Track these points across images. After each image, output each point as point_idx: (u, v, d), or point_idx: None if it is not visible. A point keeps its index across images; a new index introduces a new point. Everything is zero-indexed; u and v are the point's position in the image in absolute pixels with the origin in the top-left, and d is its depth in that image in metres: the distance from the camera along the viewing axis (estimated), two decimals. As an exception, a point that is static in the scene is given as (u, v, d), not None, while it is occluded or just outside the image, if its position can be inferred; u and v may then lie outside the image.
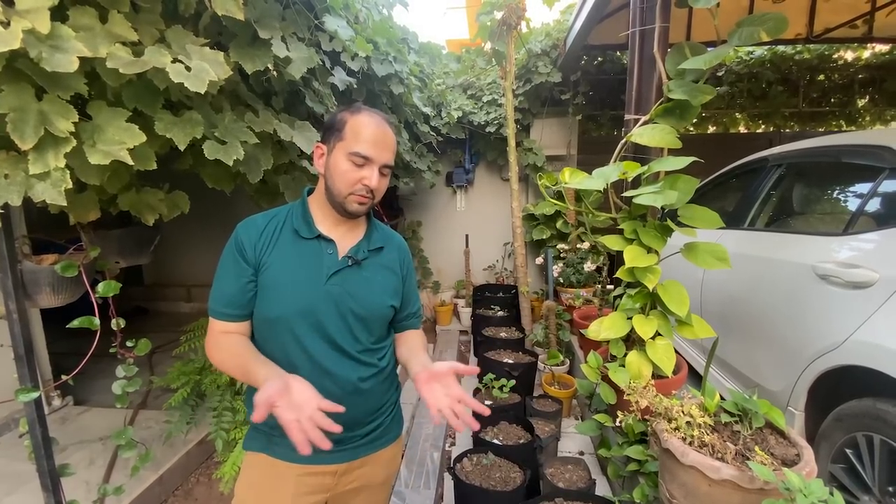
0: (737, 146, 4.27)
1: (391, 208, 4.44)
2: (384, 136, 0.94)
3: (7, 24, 0.87)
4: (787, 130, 5.28)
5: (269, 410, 0.75)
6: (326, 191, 0.96)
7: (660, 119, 1.70)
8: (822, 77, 4.87)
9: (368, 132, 0.92)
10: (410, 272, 1.11)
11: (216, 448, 1.99)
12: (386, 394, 1.07)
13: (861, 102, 5.00)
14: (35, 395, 1.16)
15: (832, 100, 4.98)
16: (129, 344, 1.44)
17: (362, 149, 0.91)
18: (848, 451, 1.36)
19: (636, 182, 1.71)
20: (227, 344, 0.94)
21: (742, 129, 5.57)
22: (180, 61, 1.05)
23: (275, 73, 1.39)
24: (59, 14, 0.95)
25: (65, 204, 0.97)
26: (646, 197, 1.52)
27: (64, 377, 1.32)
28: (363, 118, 0.94)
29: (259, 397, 0.76)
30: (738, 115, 5.34)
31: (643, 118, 1.76)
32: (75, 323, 1.26)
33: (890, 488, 1.23)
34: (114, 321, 1.39)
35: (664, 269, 1.63)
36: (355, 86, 1.90)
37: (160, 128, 1.13)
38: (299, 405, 0.75)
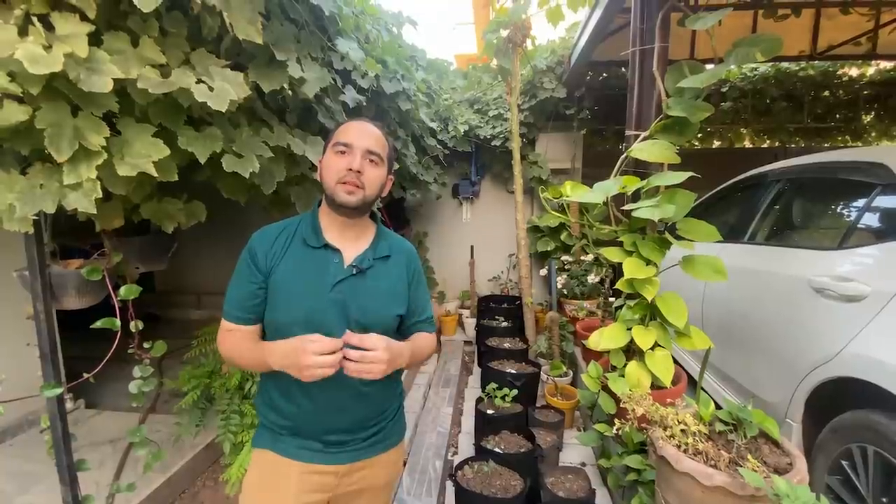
0: (742, 161, 4.30)
1: (398, 219, 4.51)
2: (363, 126, 1.02)
3: (49, 48, 0.96)
4: (793, 146, 5.30)
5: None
6: (324, 193, 1.03)
7: (659, 135, 1.75)
8: (826, 93, 4.91)
9: (349, 127, 1.02)
10: (419, 279, 1.13)
11: (224, 450, 2.04)
12: (388, 399, 1.10)
13: (867, 118, 5.02)
14: (59, 390, 1.22)
15: (837, 116, 5.01)
16: (145, 346, 1.51)
17: (341, 138, 0.99)
18: (844, 462, 1.38)
19: (636, 196, 1.76)
20: (233, 338, 1.02)
21: (747, 144, 5.60)
22: (204, 82, 1.13)
23: (290, 92, 1.47)
24: (94, 38, 1.03)
25: (94, 212, 1.04)
26: (644, 210, 1.56)
27: (86, 375, 1.38)
28: (346, 123, 1.04)
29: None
30: (742, 130, 5.38)
31: (643, 134, 1.81)
32: (98, 324, 1.33)
33: (884, 499, 1.24)
34: (132, 323, 1.46)
35: (669, 283, 1.66)
36: (365, 103, 1.98)
37: (183, 142, 1.20)
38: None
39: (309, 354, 0.84)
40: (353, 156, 0.97)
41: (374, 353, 0.87)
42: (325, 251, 1.01)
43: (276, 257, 1.00)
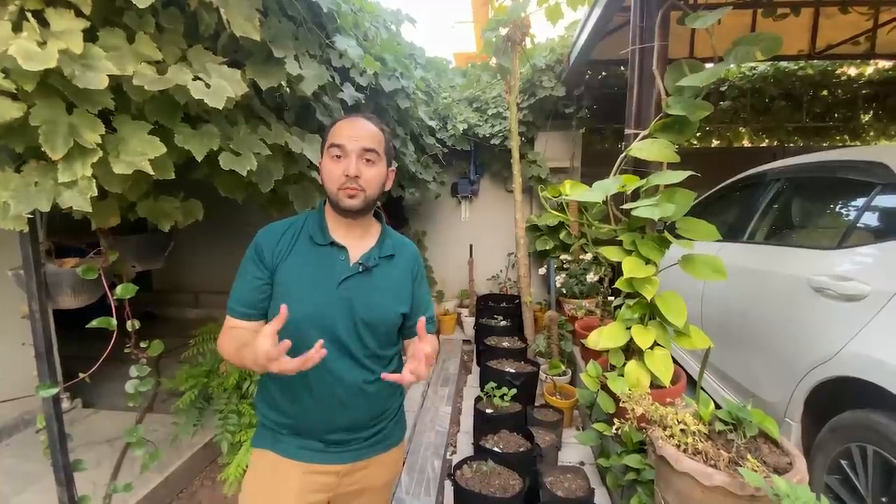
0: (741, 160, 4.31)
1: (396, 218, 4.50)
2: (356, 125, 1.00)
3: (44, 44, 0.94)
4: (791, 145, 5.30)
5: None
6: (327, 196, 1.02)
7: (659, 134, 1.74)
8: (825, 92, 4.91)
9: (341, 127, 1.00)
10: (422, 279, 1.13)
11: (221, 450, 2.03)
12: (390, 399, 1.10)
13: (865, 118, 5.03)
14: (55, 390, 1.21)
15: (836, 115, 5.01)
16: (141, 345, 1.50)
17: (335, 140, 0.98)
18: (843, 461, 1.38)
19: (635, 195, 1.75)
20: (232, 335, 1.00)
21: (746, 143, 5.60)
22: (200, 79, 1.12)
23: (288, 89, 1.45)
24: (89, 34, 1.02)
25: (90, 210, 1.03)
26: (643, 209, 1.56)
27: (81, 374, 1.37)
28: (339, 121, 1.02)
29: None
30: (741, 129, 5.38)
31: (643, 133, 1.80)
32: (94, 323, 1.32)
33: (883, 499, 1.24)
34: (129, 322, 1.45)
35: (669, 282, 1.66)
36: (363, 101, 1.97)
37: (179, 140, 1.19)
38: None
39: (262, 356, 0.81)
40: (349, 160, 0.96)
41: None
42: (331, 248, 1.01)
43: (281, 254, 1.00)
